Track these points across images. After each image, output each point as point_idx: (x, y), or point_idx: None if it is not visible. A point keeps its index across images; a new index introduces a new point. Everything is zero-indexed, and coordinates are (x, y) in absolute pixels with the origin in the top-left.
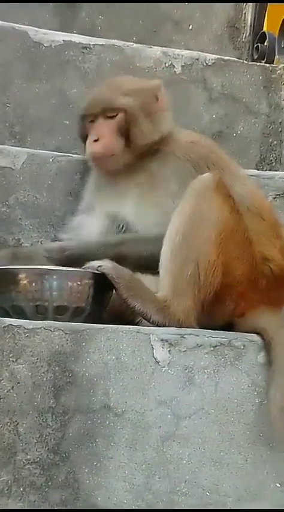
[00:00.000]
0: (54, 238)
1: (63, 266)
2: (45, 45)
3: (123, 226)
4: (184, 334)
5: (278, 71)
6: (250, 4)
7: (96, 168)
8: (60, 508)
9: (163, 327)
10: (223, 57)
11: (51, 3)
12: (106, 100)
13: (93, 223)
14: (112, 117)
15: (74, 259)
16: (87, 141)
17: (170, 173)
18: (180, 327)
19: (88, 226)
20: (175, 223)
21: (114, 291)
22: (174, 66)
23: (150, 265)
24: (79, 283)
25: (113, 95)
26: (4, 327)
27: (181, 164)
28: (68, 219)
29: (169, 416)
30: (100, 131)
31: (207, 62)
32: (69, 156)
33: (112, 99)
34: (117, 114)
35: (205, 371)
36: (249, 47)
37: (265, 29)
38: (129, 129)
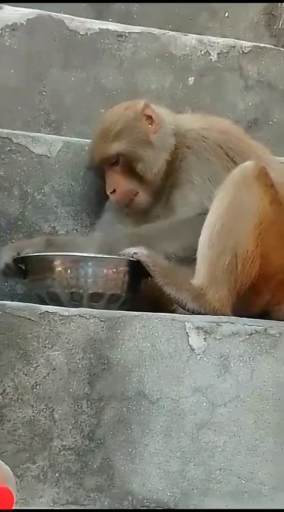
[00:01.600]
0: (89, 226)
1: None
2: (81, 33)
3: None
4: (220, 322)
5: None
6: None
7: (127, 211)
8: (95, 493)
9: (199, 314)
10: (259, 44)
11: None
12: (100, 153)
13: None
14: (116, 163)
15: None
16: (107, 192)
17: (190, 174)
18: (215, 315)
19: None
20: (214, 212)
21: (149, 278)
22: (209, 53)
23: (180, 252)
24: (114, 270)
25: (105, 144)
26: (40, 313)
27: (197, 159)
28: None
29: (204, 403)
30: (112, 181)
31: (243, 49)
32: None
33: (105, 150)
34: (118, 159)
35: (241, 359)
36: None
37: None
38: (135, 168)
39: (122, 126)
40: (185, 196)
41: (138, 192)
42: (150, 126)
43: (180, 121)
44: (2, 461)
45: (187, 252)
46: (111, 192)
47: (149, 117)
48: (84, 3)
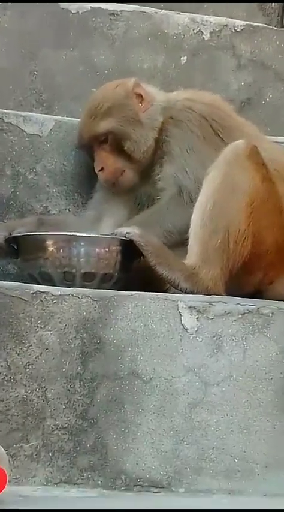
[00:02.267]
0: (81, 205)
1: None
2: (73, 12)
3: None
4: (212, 302)
5: None
6: None
7: (113, 189)
8: (88, 473)
9: (191, 294)
10: (252, 23)
11: None
12: (89, 130)
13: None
14: (105, 141)
15: None
16: (95, 171)
17: (170, 146)
18: (208, 294)
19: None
20: (206, 191)
21: (142, 257)
22: (202, 32)
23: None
24: (107, 249)
25: (94, 122)
26: (32, 293)
27: (179, 130)
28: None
29: (197, 383)
30: (101, 159)
31: (235, 28)
32: None
33: (94, 127)
34: (107, 137)
35: (234, 338)
36: (279, 14)
37: None
38: (123, 146)
39: (112, 104)
40: (163, 170)
41: (124, 171)
42: (140, 104)
43: (169, 97)
44: None
45: (173, 236)
46: (99, 170)
47: (139, 96)
48: None
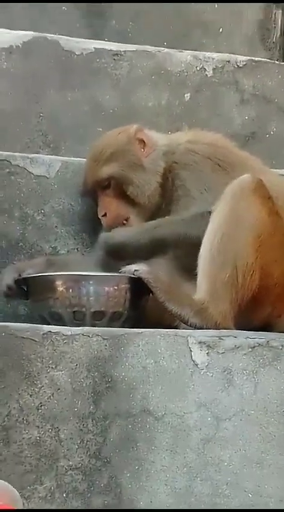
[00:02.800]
0: (90, 245)
1: (108, 258)
2: (77, 53)
3: None
4: (222, 336)
5: None
6: (280, 4)
7: None
8: None
9: (201, 329)
10: (254, 58)
11: (80, 13)
12: (92, 176)
13: None
14: (107, 187)
15: (117, 249)
16: (98, 216)
17: (186, 189)
18: (218, 329)
19: None
20: (213, 225)
21: (151, 294)
22: (205, 69)
23: (189, 249)
24: (116, 288)
25: (97, 167)
26: (43, 334)
27: (190, 173)
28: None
29: (209, 418)
30: (104, 205)
31: (238, 63)
32: None
33: (97, 173)
34: (109, 183)
35: (244, 372)
36: (280, 48)
37: None
38: (126, 191)
39: (114, 149)
40: (187, 209)
41: (129, 217)
42: (142, 150)
43: (171, 140)
44: (9, 483)
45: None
46: (102, 216)
47: (141, 141)
48: (79, 23)
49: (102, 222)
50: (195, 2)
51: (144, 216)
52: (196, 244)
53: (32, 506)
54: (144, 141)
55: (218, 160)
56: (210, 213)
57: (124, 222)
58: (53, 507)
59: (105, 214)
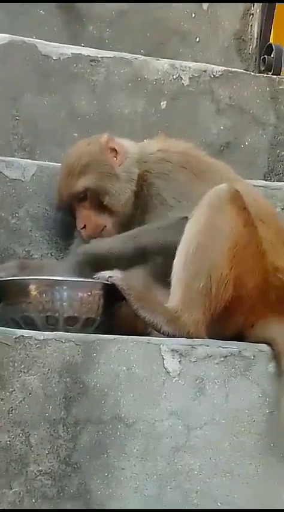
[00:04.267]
0: (64, 249)
1: (87, 267)
2: (54, 58)
3: None
4: (195, 345)
5: None
6: (257, 16)
7: None
8: None
9: (174, 337)
10: (230, 69)
11: (58, 18)
12: (68, 189)
13: None
14: (84, 199)
15: (97, 260)
16: (77, 228)
17: (162, 197)
18: (190, 337)
19: None
20: (188, 234)
21: (124, 301)
22: (181, 78)
23: (168, 256)
24: (89, 293)
25: (72, 180)
26: (15, 338)
27: (164, 182)
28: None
29: (180, 427)
30: (83, 217)
31: (214, 73)
32: None
33: (72, 186)
34: (86, 195)
35: (216, 381)
36: (256, 59)
37: (271, 40)
38: (103, 201)
39: (87, 161)
40: (162, 217)
41: (105, 226)
42: (115, 158)
43: (142, 148)
44: None
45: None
46: (81, 228)
47: (113, 150)
48: (57, 27)
49: (81, 234)
50: (185, 2)
51: (120, 223)
52: (174, 251)
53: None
54: (116, 150)
55: (192, 168)
56: (187, 218)
57: (101, 231)
58: None
59: (84, 227)
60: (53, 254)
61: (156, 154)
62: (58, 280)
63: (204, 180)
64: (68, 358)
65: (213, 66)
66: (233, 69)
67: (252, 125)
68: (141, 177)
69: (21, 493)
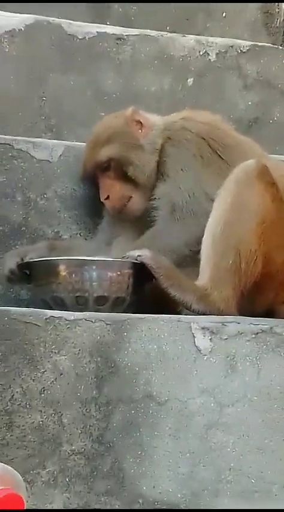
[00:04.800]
0: (92, 229)
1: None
2: (79, 37)
3: None
4: (225, 322)
5: None
6: None
7: (127, 217)
8: (106, 497)
9: (204, 315)
10: (257, 43)
11: None
12: (92, 159)
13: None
14: (107, 169)
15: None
16: (101, 199)
17: (166, 167)
18: (221, 315)
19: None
20: (216, 211)
21: (153, 280)
22: (208, 54)
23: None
24: (118, 273)
25: (96, 149)
26: (46, 318)
27: (175, 150)
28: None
29: (212, 404)
30: (106, 187)
31: (241, 48)
32: None
33: (96, 155)
34: (109, 164)
35: (247, 358)
36: (283, 33)
37: None
38: (127, 172)
39: (112, 131)
40: (158, 189)
41: (131, 197)
42: (140, 131)
43: (167, 120)
44: (12, 467)
45: (170, 255)
46: (105, 199)
47: (138, 122)
48: (82, 6)
49: (105, 205)
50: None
51: (145, 195)
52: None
53: (35, 490)
54: (141, 122)
55: (212, 140)
56: (174, 211)
57: (126, 202)
58: (56, 491)
59: (107, 197)
60: (81, 234)
61: (179, 122)
62: (87, 260)
63: (225, 156)
64: (98, 337)
65: (239, 41)
66: (261, 44)
67: (280, 99)
68: (162, 146)
69: (55, 472)
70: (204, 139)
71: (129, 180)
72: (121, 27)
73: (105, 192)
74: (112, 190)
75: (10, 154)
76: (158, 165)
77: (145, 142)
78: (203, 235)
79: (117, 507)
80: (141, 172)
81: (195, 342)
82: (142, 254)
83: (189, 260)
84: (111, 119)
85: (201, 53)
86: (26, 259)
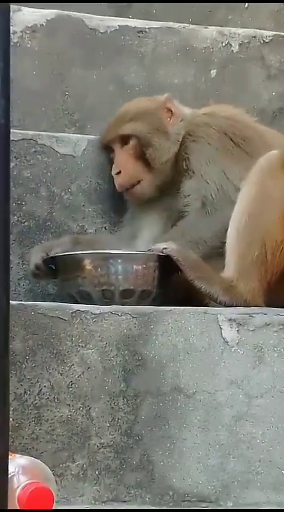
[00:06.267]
0: (117, 223)
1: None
2: (101, 31)
3: None
4: (252, 313)
5: None
6: None
7: (130, 200)
8: (136, 490)
9: (231, 307)
10: (280, 33)
11: None
12: (115, 130)
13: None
14: (126, 143)
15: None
16: (112, 173)
17: (190, 162)
18: (247, 306)
19: None
20: (241, 203)
21: (179, 272)
22: (231, 45)
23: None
24: (144, 266)
25: (122, 122)
26: (72, 312)
27: (198, 145)
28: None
29: (240, 396)
30: (120, 162)
31: (264, 39)
32: None
33: (120, 128)
34: (130, 141)
35: (275, 349)
36: None
37: None
38: (145, 152)
39: (142, 110)
40: (186, 186)
41: (142, 180)
42: (169, 119)
43: (193, 113)
44: (42, 461)
45: (201, 248)
46: (116, 173)
47: (169, 110)
48: (102, 1)
49: (114, 180)
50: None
51: (156, 182)
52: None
53: (65, 483)
54: (171, 111)
55: (233, 134)
56: (205, 205)
57: (136, 184)
58: (86, 485)
59: (119, 172)
60: (106, 228)
61: (201, 117)
62: (113, 253)
63: (246, 148)
64: (125, 331)
65: (262, 31)
66: None
67: None
68: (183, 140)
69: (85, 465)
70: (226, 134)
71: (144, 161)
72: (143, 20)
73: (118, 166)
74: (125, 166)
75: (34, 149)
76: (178, 159)
77: (172, 131)
78: None
79: (147, 500)
80: (159, 157)
81: (222, 334)
82: (168, 247)
83: (216, 253)
84: (145, 101)
85: (224, 44)
86: (51, 254)
